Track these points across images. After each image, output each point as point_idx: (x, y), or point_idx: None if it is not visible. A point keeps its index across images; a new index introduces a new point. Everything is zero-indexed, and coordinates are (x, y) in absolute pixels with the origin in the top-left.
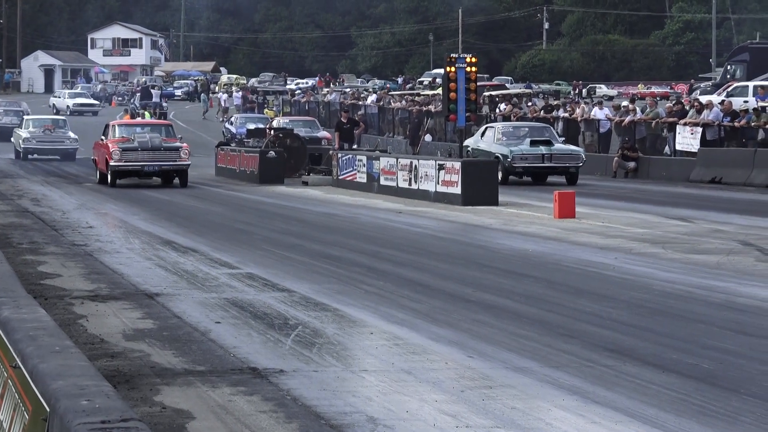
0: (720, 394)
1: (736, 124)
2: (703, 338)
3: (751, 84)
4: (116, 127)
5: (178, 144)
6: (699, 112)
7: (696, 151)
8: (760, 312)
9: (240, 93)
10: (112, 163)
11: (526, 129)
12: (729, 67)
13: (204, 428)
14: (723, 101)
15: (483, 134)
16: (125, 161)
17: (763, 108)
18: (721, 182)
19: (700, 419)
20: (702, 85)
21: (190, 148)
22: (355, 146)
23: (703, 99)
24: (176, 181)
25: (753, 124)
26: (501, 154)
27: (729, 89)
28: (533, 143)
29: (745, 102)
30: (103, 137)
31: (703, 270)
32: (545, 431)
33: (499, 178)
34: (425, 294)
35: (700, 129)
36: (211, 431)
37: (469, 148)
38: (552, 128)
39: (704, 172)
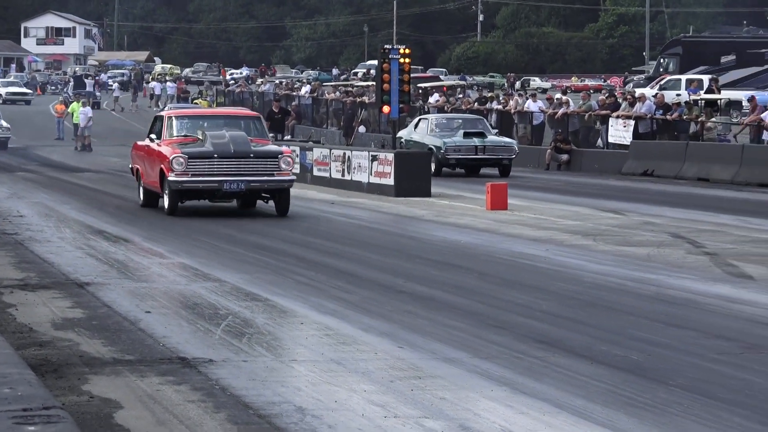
0: (648, 385)
1: (668, 117)
2: (633, 330)
3: (683, 77)
4: (174, 121)
5: (274, 148)
6: (632, 105)
7: (628, 143)
8: (689, 304)
9: (173, 83)
10: (172, 177)
11: (460, 121)
12: (662, 60)
13: (131, 417)
14: (656, 94)
15: (416, 126)
16: (194, 175)
17: (696, 101)
18: (653, 175)
19: (627, 410)
20: (635, 78)
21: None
22: (287, 137)
23: (636, 92)
24: (270, 203)
25: (685, 117)
26: (434, 146)
27: (662, 82)
28: (466, 135)
29: (678, 95)
30: (151, 136)
31: (633, 262)
32: (473, 421)
33: (432, 169)
34: (356, 284)
35: (632, 122)
36: (138, 420)
37: (402, 140)
38: (485, 120)
39: (636, 164)
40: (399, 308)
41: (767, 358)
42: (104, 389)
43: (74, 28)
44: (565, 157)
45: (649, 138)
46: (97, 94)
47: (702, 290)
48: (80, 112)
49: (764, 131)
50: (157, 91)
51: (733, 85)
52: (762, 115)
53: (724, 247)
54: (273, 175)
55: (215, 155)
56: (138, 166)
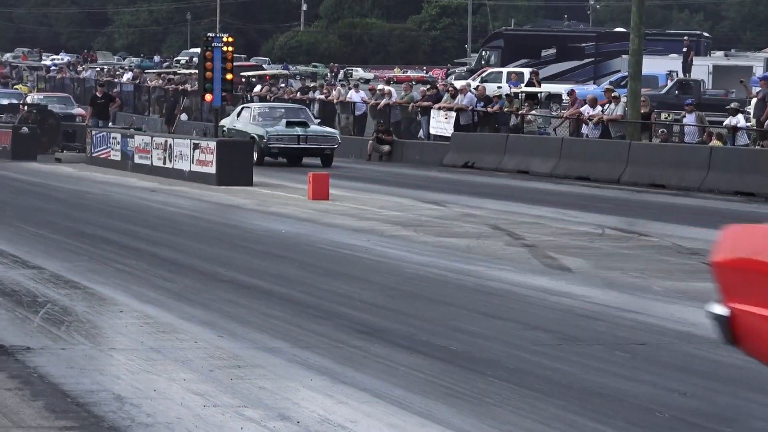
0: (467, 375)
1: (489, 109)
2: (453, 321)
3: (504, 70)
4: None
5: None
6: (453, 97)
7: (449, 135)
8: (508, 295)
9: None
10: None
11: (282, 110)
12: (484, 53)
13: None
14: (477, 87)
15: (239, 114)
16: None
17: (516, 94)
18: (474, 167)
19: (446, 400)
20: (457, 70)
21: None
22: (110, 123)
23: (458, 84)
24: None
25: (506, 109)
26: (257, 135)
27: (483, 75)
28: (289, 124)
29: (499, 88)
30: None
31: (454, 253)
32: (293, 411)
33: (255, 158)
34: (178, 273)
35: (453, 114)
36: None
37: (224, 128)
38: (308, 110)
39: (457, 156)
40: (220, 297)
41: (584, 349)
42: None
43: None
44: (386, 147)
45: (470, 130)
46: None
47: (521, 282)
48: None
49: (583, 125)
50: None
51: (553, 78)
52: (581, 109)
53: (543, 239)
54: None
55: None
56: None
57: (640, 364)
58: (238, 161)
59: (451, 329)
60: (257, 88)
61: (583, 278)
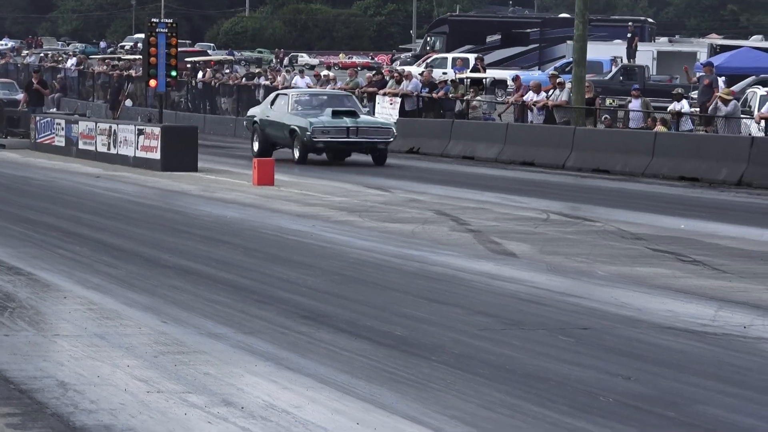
0: (411, 360)
1: (434, 95)
2: (397, 306)
3: (449, 56)
4: None
5: None
6: (398, 82)
7: (395, 121)
8: (453, 280)
9: None
10: None
11: (325, 97)
12: (429, 38)
13: None
14: (422, 72)
15: (273, 103)
16: None
17: (461, 80)
18: (419, 152)
19: (391, 385)
20: (402, 56)
21: None
22: (53, 109)
23: (403, 70)
24: None
25: (451, 95)
26: (298, 127)
27: (428, 60)
28: (335, 114)
29: (444, 74)
30: None
31: (399, 239)
32: (237, 396)
33: (296, 156)
34: (121, 259)
35: (399, 99)
36: None
37: (255, 119)
38: (354, 97)
39: (402, 142)
40: (164, 283)
41: (528, 333)
42: None
43: None
44: None
45: (415, 116)
46: None
47: (465, 267)
48: None
49: (528, 110)
50: None
51: (498, 64)
52: (526, 95)
53: (488, 225)
54: None
55: None
56: None
57: (584, 348)
58: (183, 147)
59: (395, 314)
60: (201, 74)
61: (527, 263)
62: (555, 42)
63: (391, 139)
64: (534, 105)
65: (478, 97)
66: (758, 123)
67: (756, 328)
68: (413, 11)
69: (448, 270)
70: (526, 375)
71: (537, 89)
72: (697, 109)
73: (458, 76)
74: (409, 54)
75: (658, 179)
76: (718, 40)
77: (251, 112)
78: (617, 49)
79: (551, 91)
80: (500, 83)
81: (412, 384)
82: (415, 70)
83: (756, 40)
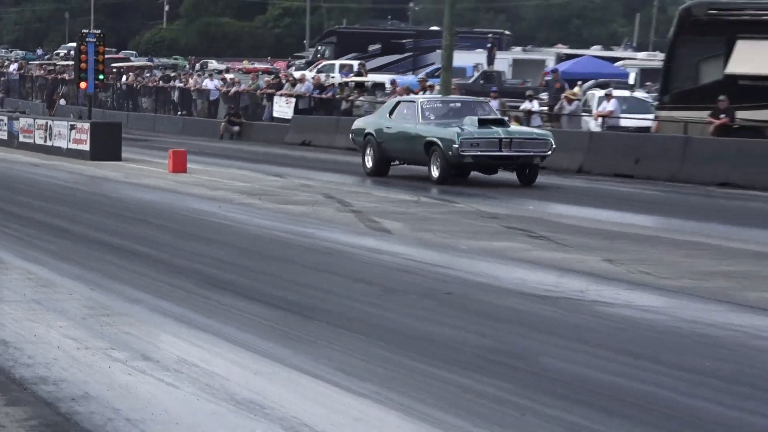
0: (302, 321)
1: (324, 96)
2: (291, 275)
3: (337, 62)
4: None
5: None
6: (293, 85)
7: (290, 118)
8: (338, 253)
9: None
10: None
11: (458, 104)
12: (319, 47)
13: None
14: (314, 76)
15: (391, 112)
16: None
17: (347, 83)
18: (310, 144)
19: (284, 342)
20: (297, 62)
21: None
22: None
23: (297, 74)
24: None
25: (338, 96)
26: (439, 139)
27: (319, 66)
28: (483, 123)
29: (332, 77)
30: None
31: (292, 218)
32: (154, 352)
33: (434, 174)
34: (56, 236)
35: (294, 99)
36: None
37: (368, 132)
38: (491, 105)
39: (296, 136)
40: (92, 256)
41: (401, 298)
42: None
43: None
44: (236, 128)
45: (307, 113)
46: None
47: (349, 242)
48: None
49: None
50: None
51: (378, 69)
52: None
53: (368, 206)
54: None
55: None
56: None
57: (448, 310)
58: (109, 140)
59: (289, 282)
60: (125, 77)
61: (401, 239)
62: (427, 51)
63: (549, 153)
64: None
65: (361, 98)
66: (596, 120)
67: (591, 293)
68: (306, 24)
69: (334, 244)
70: (400, 333)
71: (408, 92)
72: (546, 108)
73: (344, 79)
74: (303, 61)
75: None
76: (564, 50)
77: (359, 124)
78: (479, 56)
79: (422, 92)
80: (379, 86)
81: (302, 341)
82: (307, 74)
83: (595, 50)
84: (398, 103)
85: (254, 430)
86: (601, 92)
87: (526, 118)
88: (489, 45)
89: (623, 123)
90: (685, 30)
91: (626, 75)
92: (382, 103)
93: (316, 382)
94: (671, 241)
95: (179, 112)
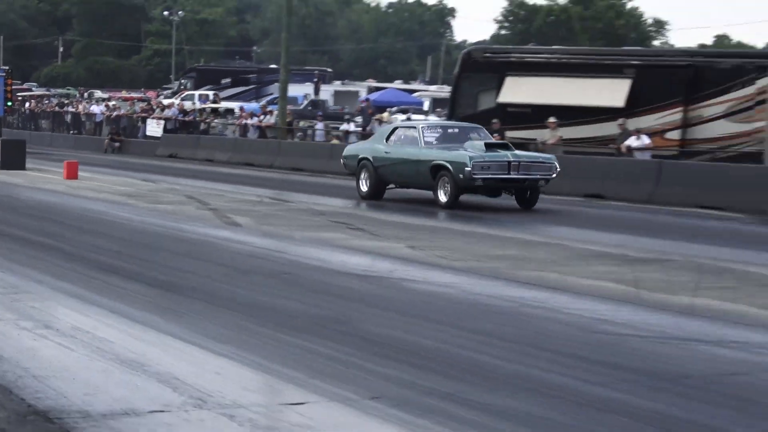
0: (175, 297)
1: (186, 119)
2: (165, 260)
3: (197, 92)
4: None
5: None
6: (162, 110)
7: (160, 136)
8: (200, 243)
9: None
10: None
11: (456, 130)
12: (183, 81)
13: None
14: (178, 103)
15: (389, 137)
16: None
17: (204, 109)
18: (177, 156)
19: (160, 314)
20: (165, 92)
21: None
22: None
23: (166, 102)
24: None
25: (197, 119)
26: (449, 162)
27: (182, 96)
28: (489, 147)
29: (193, 104)
30: None
31: (163, 215)
32: (54, 322)
33: (442, 197)
34: None
35: (163, 121)
36: None
37: (365, 158)
38: (484, 130)
39: (165, 150)
40: (4, 246)
41: (250, 277)
42: None
43: None
44: (117, 144)
45: (173, 132)
46: None
47: (208, 233)
48: None
49: (249, 129)
50: None
51: (229, 98)
52: (248, 121)
53: (222, 205)
54: None
55: None
56: None
57: (287, 287)
58: (16, 153)
59: (164, 266)
60: (28, 104)
61: (249, 230)
62: (267, 84)
63: (554, 176)
64: (252, 125)
65: (216, 120)
66: None
67: (398, 272)
68: (173, 62)
69: (196, 236)
70: (250, 305)
71: (252, 116)
72: (360, 128)
73: (202, 106)
74: (170, 91)
75: (333, 175)
76: (373, 83)
77: (352, 150)
78: (307, 88)
79: (264, 116)
80: (230, 111)
81: (175, 313)
82: (174, 102)
83: (398, 83)
84: (395, 129)
85: (135, 382)
86: (403, 116)
87: (345, 136)
88: (315, 79)
89: None
90: (467, 69)
91: (421, 103)
92: (233, 124)
93: (185, 344)
94: (458, 232)
95: (71, 131)
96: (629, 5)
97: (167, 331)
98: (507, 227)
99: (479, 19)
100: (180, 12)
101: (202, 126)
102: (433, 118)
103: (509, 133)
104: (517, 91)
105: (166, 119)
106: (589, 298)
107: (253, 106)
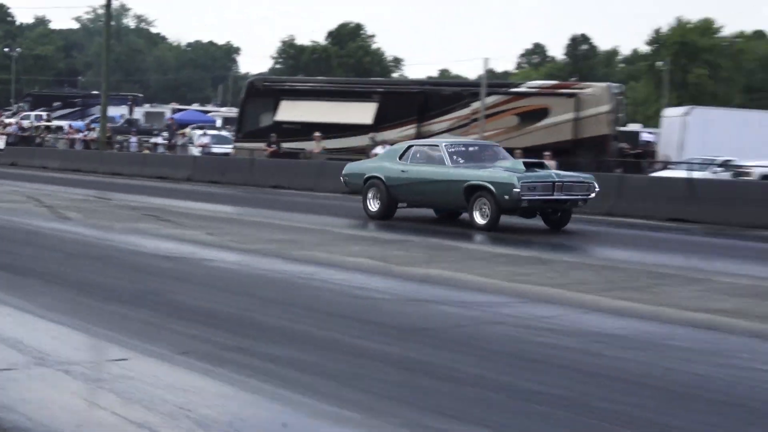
0: (13, 277)
1: (25, 134)
2: (9, 247)
3: (33, 113)
4: None
5: None
6: (5, 127)
7: (3, 148)
8: (37, 234)
9: None
10: None
11: (476, 147)
12: (21, 104)
13: None
14: (17, 122)
15: (402, 155)
16: None
17: (39, 126)
18: (17, 165)
19: (9, 292)
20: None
21: None
22: None
23: (7, 120)
24: None
25: (33, 134)
26: (494, 183)
27: (21, 116)
28: (529, 167)
29: (30, 123)
30: None
31: (8, 212)
32: None
33: (478, 220)
34: None
35: (5, 136)
36: None
37: (377, 176)
38: (500, 146)
39: (7, 159)
40: None
41: (78, 261)
42: None
43: None
44: None
45: (14, 145)
46: None
47: (44, 225)
48: None
49: (77, 142)
50: None
51: (60, 118)
52: (75, 136)
53: (57, 203)
54: None
55: None
56: None
57: (109, 267)
58: None
59: (6, 252)
60: None
61: (78, 223)
62: (91, 106)
63: (593, 196)
64: (79, 139)
65: (49, 135)
66: (197, 148)
67: (198, 254)
68: (12, 88)
69: (35, 227)
70: (81, 282)
71: (77, 132)
72: (166, 141)
73: (38, 124)
74: (10, 112)
75: (194, 182)
76: (177, 106)
77: (356, 168)
78: (123, 109)
79: (88, 132)
80: (60, 128)
81: (16, 289)
82: (14, 121)
83: (196, 106)
84: (409, 147)
85: None
86: (200, 132)
87: (154, 147)
88: (129, 102)
89: (214, 150)
90: (251, 94)
91: (215, 121)
92: (64, 138)
93: (29, 315)
94: (248, 222)
95: None
96: (374, 46)
97: (10, 303)
98: (277, 218)
99: (259, 55)
100: (18, 49)
101: (38, 140)
102: (224, 132)
103: (285, 144)
104: (290, 111)
105: (8, 134)
106: (349, 271)
107: (79, 124)
